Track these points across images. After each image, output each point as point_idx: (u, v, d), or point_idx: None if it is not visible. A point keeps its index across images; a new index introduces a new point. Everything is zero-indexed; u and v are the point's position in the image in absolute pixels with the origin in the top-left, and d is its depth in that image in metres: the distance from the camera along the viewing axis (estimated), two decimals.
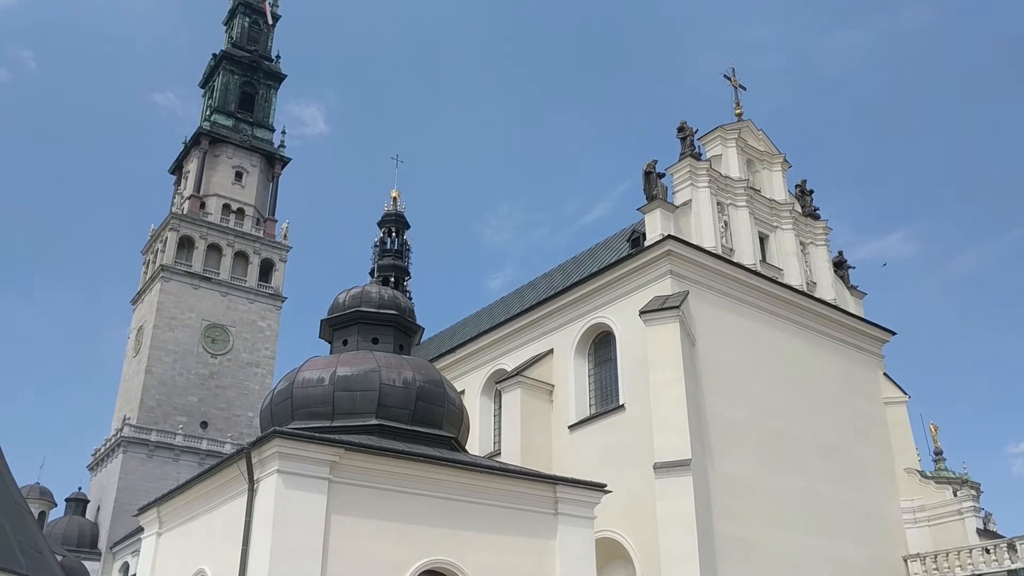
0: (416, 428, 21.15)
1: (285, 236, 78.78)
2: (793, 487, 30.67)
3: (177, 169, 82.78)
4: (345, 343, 23.36)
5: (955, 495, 35.09)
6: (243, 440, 56.73)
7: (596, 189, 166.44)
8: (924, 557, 32.67)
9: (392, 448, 18.98)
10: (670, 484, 26.49)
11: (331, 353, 23.51)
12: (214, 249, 74.09)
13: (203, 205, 75.89)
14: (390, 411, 20.95)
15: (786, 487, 30.40)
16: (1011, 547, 30.48)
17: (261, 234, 77.34)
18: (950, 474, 51.85)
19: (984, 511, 50.49)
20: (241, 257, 75.34)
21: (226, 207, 77.11)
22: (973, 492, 41.30)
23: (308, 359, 22.39)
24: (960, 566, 31.37)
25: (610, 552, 28.01)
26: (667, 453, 27.01)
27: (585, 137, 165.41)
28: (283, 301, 76.34)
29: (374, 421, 20.65)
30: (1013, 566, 29.89)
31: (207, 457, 62.00)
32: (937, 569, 32.03)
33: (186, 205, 74.99)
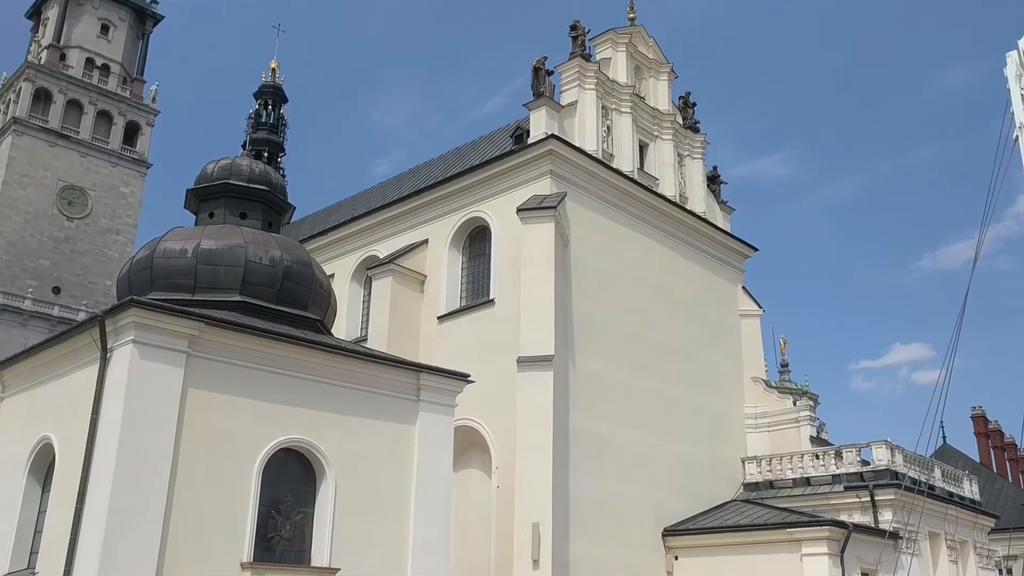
0: (281, 308, 20.76)
1: (154, 99, 74.52)
2: (648, 388, 31.99)
3: (35, 14, 76.37)
4: (211, 216, 22.50)
5: (794, 404, 37.46)
6: (99, 308, 54.65)
7: (493, 82, 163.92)
8: (760, 459, 34.94)
9: (254, 326, 18.62)
10: (531, 378, 27.20)
11: (196, 225, 22.64)
12: (74, 106, 69.39)
13: (63, 57, 70.60)
14: (255, 289, 20.46)
15: (641, 387, 31.68)
16: (838, 454, 32.94)
17: (127, 95, 72.87)
18: (792, 385, 55.25)
19: (819, 421, 54.28)
20: (104, 117, 70.94)
21: (89, 62, 72.06)
22: (811, 403, 43.96)
23: (171, 229, 21.51)
24: (791, 469, 33.75)
25: (469, 440, 28.72)
26: (531, 348, 27.61)
27: (485, 27, 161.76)
28: (148, 167, 72.73)
29: (238, 298, 20.14)
30: (838, 471, 32.39)
31: (59, 324, 59.39)
32: (771, 471, 34.36)
33: (44, 55, 69.65)
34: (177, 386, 17.02)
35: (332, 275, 34.56)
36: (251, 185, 22.65)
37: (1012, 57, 22.20)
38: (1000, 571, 43.86)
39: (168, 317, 17.01)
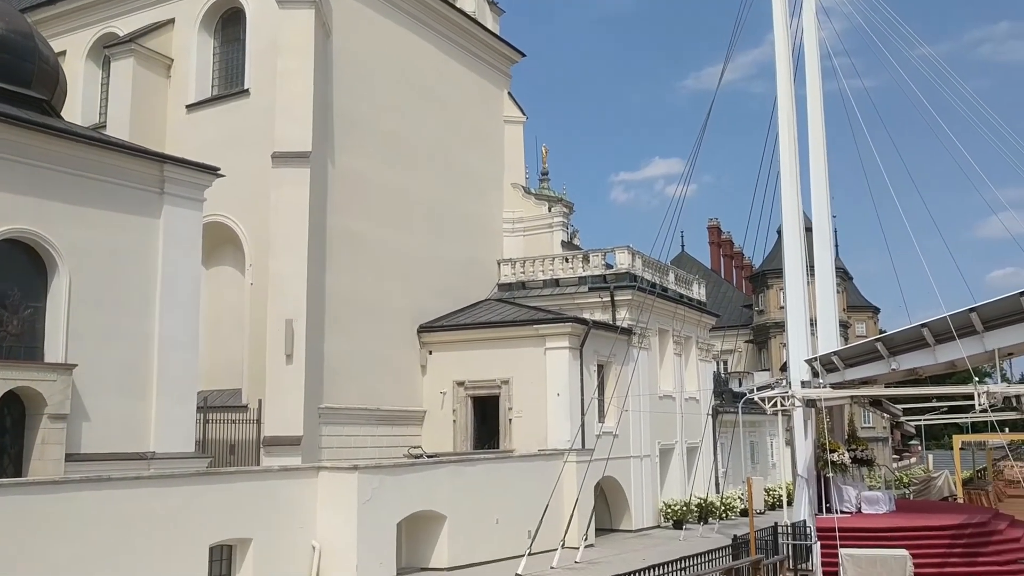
0: None
1: None
2: (408, 188, 32.00)
3: None
4: None
5: (549, 211, 39.02)
6: None
7: None
8: (514, 261, 36.47)
9: None
10: (287, 174, 26.37)
11: None
12: None
13: None
14: None
15: (401, 187, 31.64)
16: (585, 258, 35.02)
17: None
18: (550, 193, 57.18)
19: (572, 227, 57.08)
20: None
21: None
22: (565, 210, 45.86)
23: None
24: (543, 271, 35.59)
25: (220, 237, 27.78)
26: (287, 143, 26.59)
27: None
28: None
29: None
30: (584, 273, 34.56)
31: None
32: (523, 272, 36.04)
33: None
34: None
35: (63, 52, 31.20)
36: None
37: None
38: (717, 362, 49.56)
39: None
